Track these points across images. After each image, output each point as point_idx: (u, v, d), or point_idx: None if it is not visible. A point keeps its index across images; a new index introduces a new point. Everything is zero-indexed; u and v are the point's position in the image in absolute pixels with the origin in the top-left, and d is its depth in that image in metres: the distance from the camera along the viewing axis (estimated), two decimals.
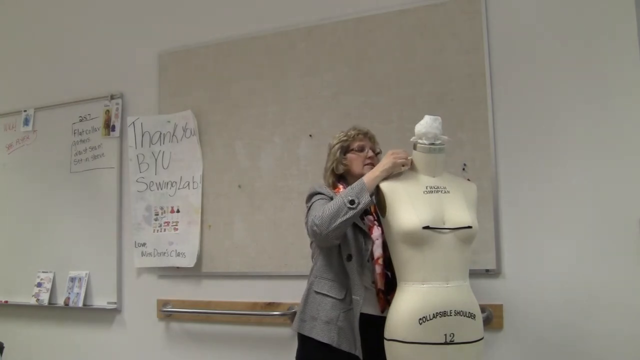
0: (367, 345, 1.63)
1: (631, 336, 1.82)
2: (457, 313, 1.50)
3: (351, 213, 1.57)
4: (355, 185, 1.63)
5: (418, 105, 2.14)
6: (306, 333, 1.68)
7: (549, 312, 1.92)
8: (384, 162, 1.65)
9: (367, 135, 1.85)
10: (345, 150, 1.81)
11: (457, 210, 1.58)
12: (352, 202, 1.58)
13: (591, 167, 1.92)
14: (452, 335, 1.48)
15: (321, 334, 1.65)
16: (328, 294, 1.69)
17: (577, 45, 1.97)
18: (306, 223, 1.73)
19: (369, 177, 1.64)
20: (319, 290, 1.71)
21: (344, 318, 1.65)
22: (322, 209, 1.61)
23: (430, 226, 1.53)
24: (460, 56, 2.11)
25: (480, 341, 1.54)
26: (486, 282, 1.98)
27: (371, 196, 1.62)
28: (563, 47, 1.99)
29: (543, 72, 2.01)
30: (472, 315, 1.52)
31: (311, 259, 1.83)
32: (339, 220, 1.57)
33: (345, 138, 1.82)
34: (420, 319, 1.49)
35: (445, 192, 1.61)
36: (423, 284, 1.53)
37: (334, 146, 1.84)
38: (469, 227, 1.55)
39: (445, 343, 1.48)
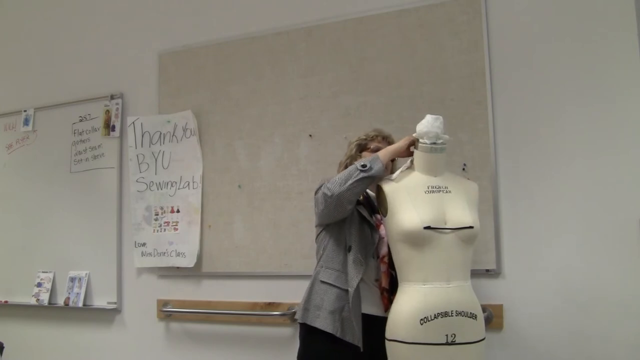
0: (371, 346, 1.63)
1: (631, 336, 1.82)
2: (459, 313, 1.49)
3: (363, 174, 1.59)
4: (370, 156, 1.68)
5: (418, 105, 2.14)
6: (309, 322, 1.68)
7: (549, 312, 1.92)
8: (398, 143, 1.71)
9: (387, 140, 1.87)
10: (362, 148, 1.85)
11: (459, 210, 1.58)
12: (364, 165, 1.61)
13: (591, 167, 1.92)
14: (453, 335, 1.48)
15: (325, 323, 1.64)
16: (334, 283, 1.68)
17: (577, 45, 1.97)
18: (315, 205, 1.74)
19: (383, 151, 1.70)
20: (324, 280, 1.70)
21: (349, 309, 1.64)
22: (335, 175, 1.65)
23: (432, 226, 1.53)
24: (460, 56, 2.11)
25: (482, 342, 1.53)
26: (486, 282, 1.98)
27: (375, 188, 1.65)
28: (563, 47, 1.99)
29: (543, 72, 2.01)
30: (473, 316, 1.52)
31: (316, 255, 1.82)
32: (351, 181, 1.59)
33: (364, 137, 1.87)
34: (421, 319, 1.49)
35: (446, 191, 1.61)
36: (424, 284, 1.53)
37: (352, 143, 1.89)
38: (471, 227, 1.55)
39: (447, 344, 1.48)
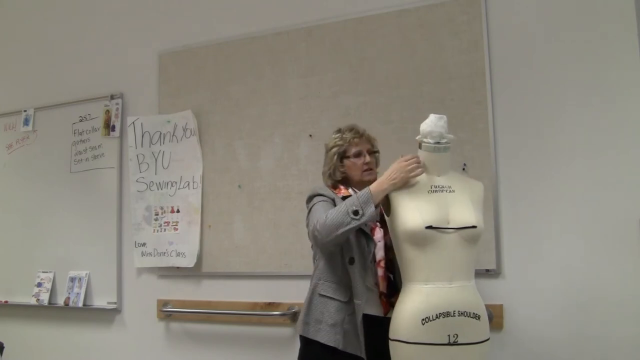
0: (371, 346, 1.62)
1: (631, 336, 1.82)
2: (461, 314, 1.49)
3: (354, 224, 1.55)
4: (362, 194, 1.59)
5: (418, 105, 2.14)
6: (311, 336, 1.67)
7: (549, 312, 1.92)
8: (393, 176, 1.60)
9: (364, 137, 1.80)
10: (342, 156, 1.77)
11: (462, 209, 1.57)
12: (356, 212, 1.55)
13: (591, 167, 1.92)
14: (455, 336, 1.48)
15: (326, 337, 1.63)
16: (333, 296, 1.67)
17: (577, 45, 1.97)
18: (307, 225, 1.72)
19: (377, 189, 1.59)
20: (323, 293, 1.69)
21: (349, 321, 1.64)
22: (325, 215, 1.58)
23: (434, 226, 1.52)
24: (460, 56, 2.11)
25: (486, 342, 1.52)
26: (486, 282, 1.98)
27: (376, 207, 1.60)
28: (563, 47, 1.99)
29: (543, 72, 2.01)
30: (476, 316, 1.51)
31: (313, 261, 1.82)
32: (341, 230, 1.55)
33: (341, 143, 1.77)
34: (423, 319, 1.49)
35: (450, 191, 1.60)
36: (426, 284, 1.53)
37: (330, 149, 1.80)
38: (474, 226, 1.54)
39: (449, 344, 1.48)
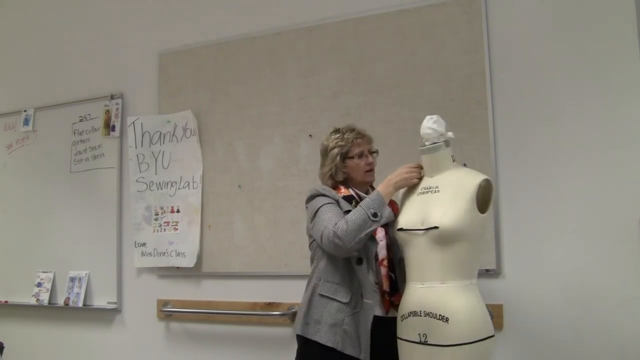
0: (373, 345, 1.62)
1: (631, 336, 1.82)
2: (427, 314, 1.49)
3: (375, 225, 1.60)
4: (375, 198, 1.63)
5: (418, 105, 2.14)
6: (310, 336, 1.66)
7: (549, 312, 1.92)
8: (395, 179, 1.66)
9: (365, 137, 1.80)
10: (344, 156, 1.76)
11: (437, 210, 1.54)
12: (375, 214, 1.59)
13: (591, 167, 1.92)
14: (424, 335, 1.49)
15: (325, 337, 1.63)
16: (334, 297, 1.67)
17: (577, 45, 1.97)
18: (312, 227, 1.71)
19: (385, 192, 1.64)
20: (324, 294, 1.68)
21: (349, 321, 1.63)
22: (346, 221, 1.59)
23: (404, 228, 1.57)
24: (460, 56, 2.11)
25: (460, 347, 1.46)
26: (486, 282, 1.98)
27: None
28: (563, 47, 1.99)
29: (543, 72, 2.01)
30: (443, 318, 1.47)
31: (311, 261, 1.81)
32: (364, 233, 1.58)
33: (343, 143, 1.76)
34: (401, 316, 1.56)
35: (435, 191, 1.60)
36: (409, 284, 1.59)
37: (331, 150, 1.77)
38: (435, 227, 1.51)
39: (420, 342, 1.50)
